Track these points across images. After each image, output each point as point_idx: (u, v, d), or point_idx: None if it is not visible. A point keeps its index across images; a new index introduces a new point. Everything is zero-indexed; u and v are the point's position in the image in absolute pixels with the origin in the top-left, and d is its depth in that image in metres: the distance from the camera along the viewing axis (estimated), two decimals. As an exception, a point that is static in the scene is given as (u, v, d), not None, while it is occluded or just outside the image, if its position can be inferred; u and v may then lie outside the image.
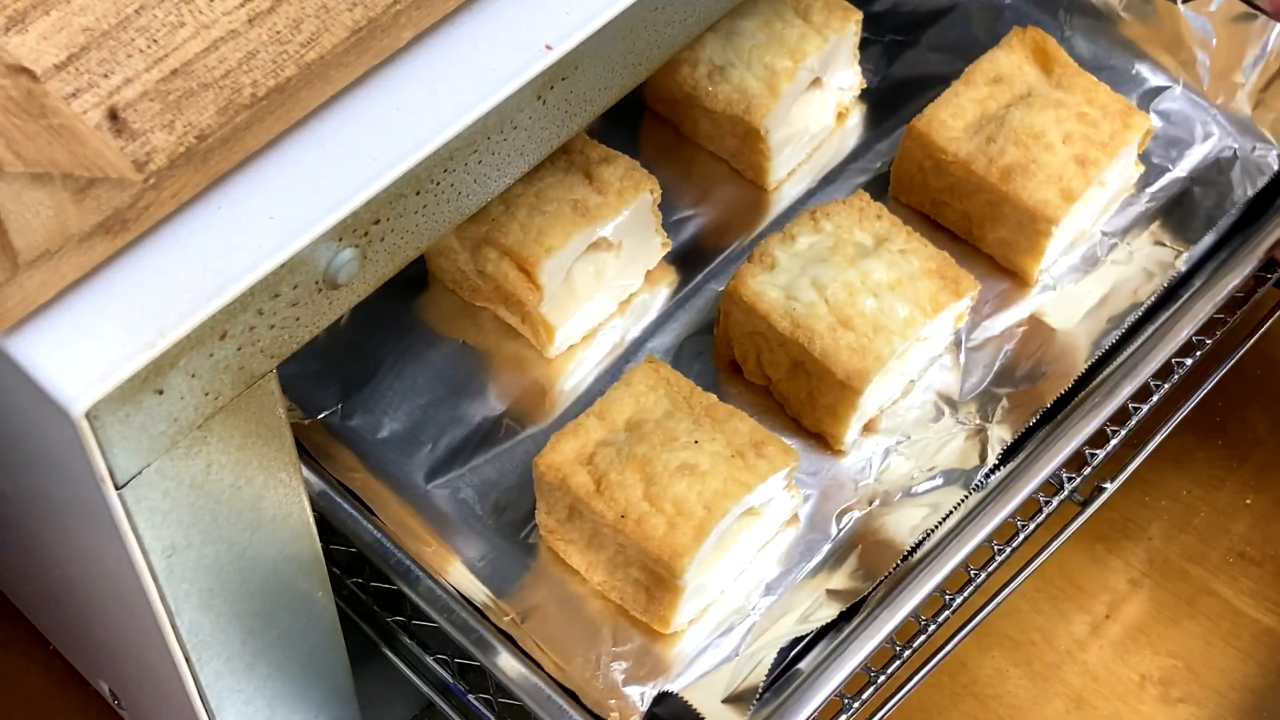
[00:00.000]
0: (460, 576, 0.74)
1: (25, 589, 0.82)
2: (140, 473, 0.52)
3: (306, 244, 0.52)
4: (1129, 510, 0.93)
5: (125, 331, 0.50)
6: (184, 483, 0.55)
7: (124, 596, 0.60)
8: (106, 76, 0.52)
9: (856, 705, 0.74)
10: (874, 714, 0.76)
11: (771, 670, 0.69)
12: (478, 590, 0.73)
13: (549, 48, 0.58)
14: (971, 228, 0.84)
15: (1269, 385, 0.98)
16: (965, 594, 0.77)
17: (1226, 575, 0.91)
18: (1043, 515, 0.79)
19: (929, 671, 0.77)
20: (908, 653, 0.75)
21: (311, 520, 0.64)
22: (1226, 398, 0.96)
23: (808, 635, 0.72)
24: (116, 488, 0.52)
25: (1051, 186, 0.80)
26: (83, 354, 0.49)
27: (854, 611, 0.72)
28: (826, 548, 0.75)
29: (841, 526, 0.76)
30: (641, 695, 0.71)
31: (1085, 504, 0.82)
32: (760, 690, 0.69)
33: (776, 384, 0.79)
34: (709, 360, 0.81)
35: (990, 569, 0.78)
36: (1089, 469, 0.80)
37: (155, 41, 0.53)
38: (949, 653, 0.77)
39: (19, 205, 0.48)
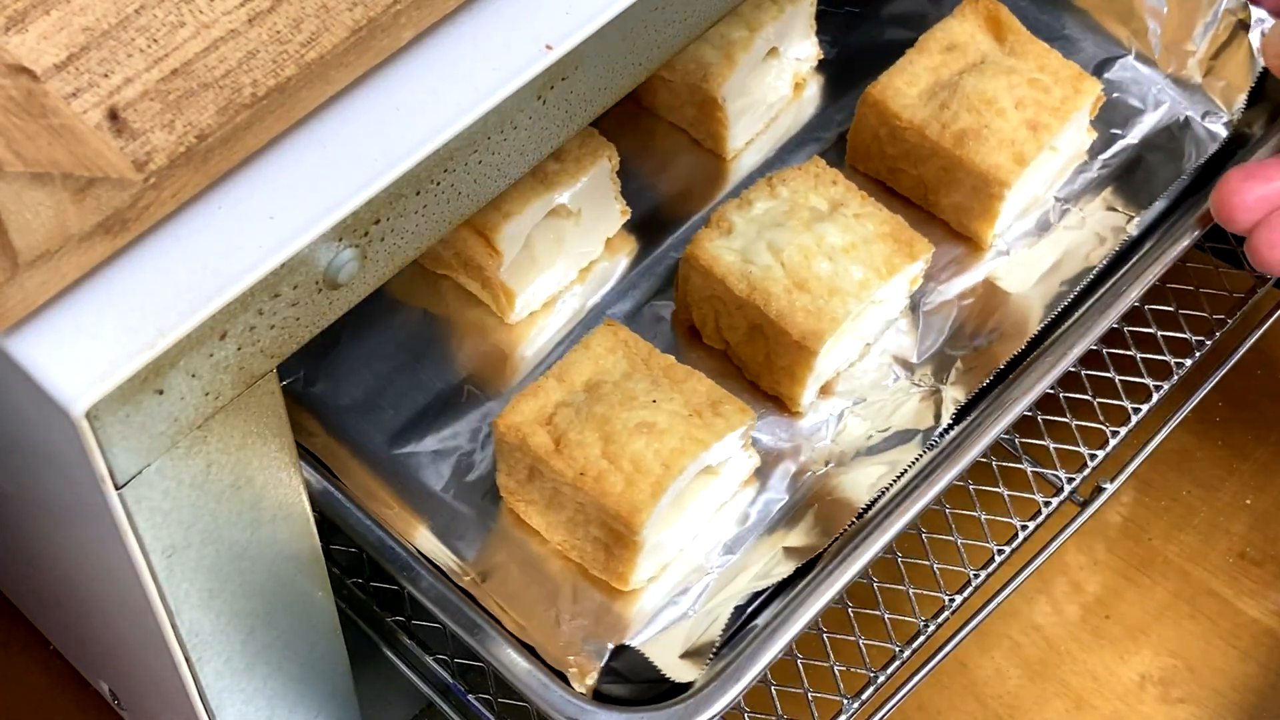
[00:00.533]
0: (423, 539, 0.74)
1: (25, 589, 0.82)
2: (140, 473, 0.52)
3: (306, 244, 0.52)
4: (1129, 510, 0.93)
5: (125, 331, 0.50)
6: (184, 483, 0.55)
7: (124, 596, 0.60)
8: (106, 76, 0.51)
9: (856, 705, 0.74)
10: (874, 714, 0.76)
11: (728, 626, 0.70)
12: (440, 551, 0.74)
13: (549, 48, 0.57)
14: (926, 194, 0.85)
15: (1269, 385, 0.98)
16: (965, 594, 0.77)
17: (1226, 575, 0.91)
18: (1043, 515, 0.79)
19: (929, 672, 0.77)
20: (908, 653, 0.75)
21: (312, 520, 0.64)
22: (1226, 398, 0.96)
23: (765, 592, 0.73)
24: (116, 488, 0.52)
25: (1004, 151, 0.81)
26: (83, 354, 0.49)
27: (811, 568, 0.73)
28: (783, 507, 0.76)
29: (798, 486, 0.77)
30: (600, 651, 0.71)
31: (1085, 504, 0.82)
32: (717, 645, 0.70)
33: (735, 347, 0.80)
34: (669, 326, 0.82)
35: (990, 569, 0.78)
36: (1089, 469, 0.80)
37: (155, 41, 0.53)
38: (949, 653, 0.77)
39: (19, 205, 0.48)
